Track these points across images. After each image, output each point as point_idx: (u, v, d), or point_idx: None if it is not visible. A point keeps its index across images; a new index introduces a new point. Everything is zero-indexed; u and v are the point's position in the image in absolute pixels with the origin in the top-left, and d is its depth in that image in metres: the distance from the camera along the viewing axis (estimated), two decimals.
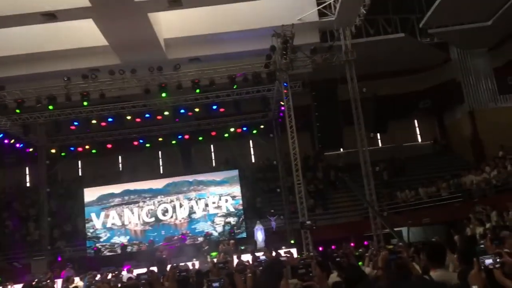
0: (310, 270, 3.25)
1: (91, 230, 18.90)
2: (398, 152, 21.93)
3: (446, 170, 19.36)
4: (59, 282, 13.11)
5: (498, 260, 2.90)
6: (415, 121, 23.91)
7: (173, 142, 20.65)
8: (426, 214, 16.05)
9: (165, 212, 19.26)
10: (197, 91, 16.09)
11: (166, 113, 17.88)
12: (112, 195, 19.36)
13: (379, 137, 22.67)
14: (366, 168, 15.10)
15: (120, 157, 22.37)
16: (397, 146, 22.14)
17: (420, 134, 23.96)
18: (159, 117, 18.11)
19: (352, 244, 14.72)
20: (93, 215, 19.01)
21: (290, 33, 13.89)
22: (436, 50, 20.41)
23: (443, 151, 22.54)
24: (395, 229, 14.11)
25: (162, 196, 19.47)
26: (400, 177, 20.68)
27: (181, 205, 19.35)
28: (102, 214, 19.04)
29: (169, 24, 15.69)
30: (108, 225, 19.00)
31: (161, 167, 22.85)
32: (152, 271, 7.73)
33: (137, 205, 19.33)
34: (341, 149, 20.05)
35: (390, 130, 19.13)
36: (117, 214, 19.12)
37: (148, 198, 19.41)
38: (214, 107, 17.85)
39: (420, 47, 19.61)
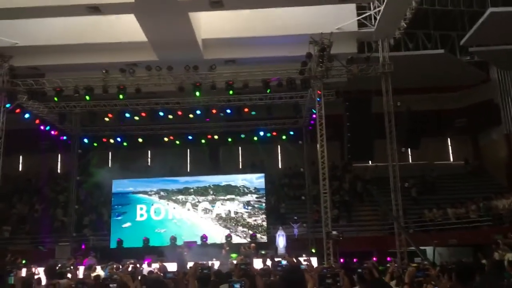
0: (338, 280, 3.20)
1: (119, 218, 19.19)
2: (429, 170, 21.52)
3: (477, 192, 18.88)
4: (81, 269, 13.35)
5: None
6: (449, 139, 23.41)
7: (203, 141, 20.80)
8: (453, 235, 15.69)
9: (188, 209, 19.42)
10: (230, 92, 16.17)
11: (197, 112, 18.05)
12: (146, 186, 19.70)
13: (410, 153, 22.29)
14: (395, 183, 14.87)
15: (149, 151, 22.67)
16: (428, 164, 21.73)
17: (452, 153, 23.44)
18: (190, 116, 18.28)
19: (374, 259, 14.50)
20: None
21: (328, 41, 13.85)
22: (475, 69, 19.99)
23: (475, 172, 21.99)
24: (420, 247, 13.87)
25: (188, 195, 19.63)
26: (429, 195, 20.27)
27: (206, 206, 19.47)
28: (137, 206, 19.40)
29: (208, 24, 15.86)
30: (138, 218, 19.32)
31: (188, 165, 23.06)
32: (179, 271, 7.76)
33: (165, 200, 19.57)
34: (370, 162, 19.81)
35: (422, 146, 18.77)
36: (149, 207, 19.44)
37: (176, 195, 19.62)
38: (246, 110, 17.90)
39: (459, 64, 19.24)
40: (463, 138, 23.28)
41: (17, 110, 16.67)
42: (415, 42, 18.81)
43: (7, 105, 15.72)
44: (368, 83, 15.14)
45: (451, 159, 23.32)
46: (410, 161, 22.40)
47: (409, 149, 21.49)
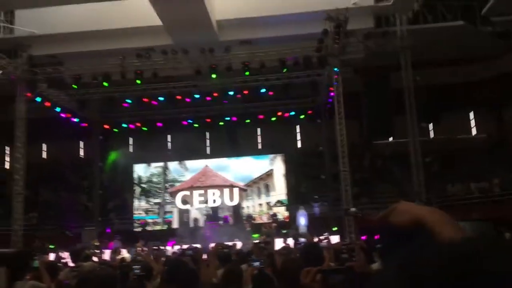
0: (353, 254, 3.23)
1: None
2: (451, 145, 21.16)
3: (501, 166, 18.53)
4: (107, 253, 13.68)
5: None
6: (471, 113, 22.93)
7: (221, 123, 20.85)
8: (476, 210, 15.52)
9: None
10: (247, 73, 16.11)
11: (215, 94, 18.06)
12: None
13: (431, 128, 21.94)
14: (416, 159, 14.73)
15: (169, 136, 22.85)
16: (449, 138, 21.34)
17: (475, 127, 22.98)
18: (208, 98, 18.30)
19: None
20: None
21: (344, 17, 13.63)
22: (497, 40, 19.41)
23: (499, 146, 21.56)
24: None
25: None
26: (451, 170, 20.00)
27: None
28: None
29: (221, 5, 15.75)
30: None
31: (208, 148, 23.19)
32: (197, 247, 7.91)
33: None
34: (390, 138, 19.58)
35: (443, 121, 18.49)
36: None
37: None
38: (263, 90, 17.83)
39: (481, 35, 18.70)
40: (486, 111, 22.75)
41: (37, 99, 16.94)
42: (434, 14, 18.32)
43: (27, 94, 16.00)
44: (386, 59, 14.89)
45: (474, 133, 22.87)
46: (432, 136, 22.05)
47: (429, 124, 21.19)
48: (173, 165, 21.10)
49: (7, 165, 21.99)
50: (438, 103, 17.32)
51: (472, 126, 22.94)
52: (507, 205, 15.34)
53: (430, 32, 17.61)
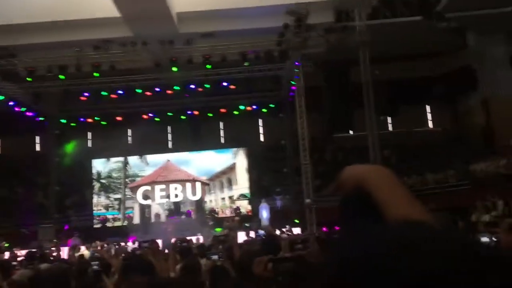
0: (308, 245, 3.26)
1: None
2: (408, 138, 21.74)
3: (456, 157, 19.17)
4: (65, 250, 13.34)
5: (493, 238, 2.88)
6: (427, 106, 23.61)
7: (183, 117, 20.64)
8: (433, 200, 15.99)
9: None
10: (208, 66, 15.99)
11: (176, 88, 17.84)
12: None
13: (389, 121, 22.46)
14: (375, 152, 15.03)
15: (129, 130, 22.42)
16: (407, 131, 21.91)
17: (431, 120, 23.69)
18: (169, 92, 18.07)
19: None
20: None
21: (305, 11, 13.70)
22: (452, 35, 20.01)
23: (454, 139, 22.30)
24: None
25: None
26: (408, 162, 20.53)
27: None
28: None
29: None
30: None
31: (169, 142, 22.91)
32: (154, 241, 7.82)
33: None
34: (351, 132, 19.91)
35: (401, 114, 18.95)
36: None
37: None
38: (225, 84, 17.76)
39: (437, 31, 19.22)
40: (442, 105, 23.47)
41: None
42: (393, 10, 18.68)
43: None
44: (346, 53, 15.09)
45: (430, 126, 23.57)
46: (390, 129, 22.58)
47: (388, 118, 21.68)
48: (133, 160, 20.75)
49: None
50: (396, 97, 17.73)
51: (428, 120, 23.63)
52: (461, 195, 15.89)
53: (389, 27, 17.97)
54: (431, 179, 17.47)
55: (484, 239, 2.80)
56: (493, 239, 2.83)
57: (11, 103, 17.64)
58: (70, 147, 20.59)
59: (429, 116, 23.66)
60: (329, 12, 15.95)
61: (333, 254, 0.71)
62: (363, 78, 15.26)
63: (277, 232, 11.95)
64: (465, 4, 17.66)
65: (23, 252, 12.85)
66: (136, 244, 13.17)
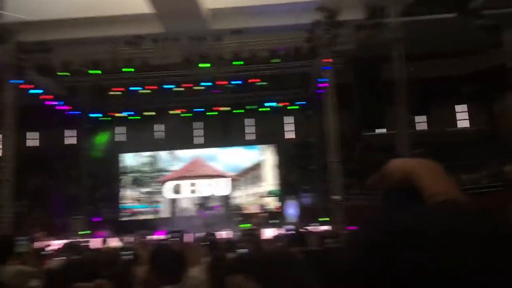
0: (338, 240, 3.23)
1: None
2: (441, 136, 21.30)
3: (490, 158, 18.68)
4: (95, 241, 13.64)
5: None
6: (461, 105, 23.07)
7: (212, 113, 20.77)
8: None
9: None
10: (237, 63, 16.03)
11: (206, 84, 17.96)
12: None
13: (422, 120, 22.05)
14: (405, 150, 14.78)
15: (159, 125, 22.73)
16: (439, 130, 21.48)
17: (465, 119, 23.14)
18: (199, 88, 18.20)
19: None
20: None
21: (336, 7, 13.57)
22: (488, 33, 19.47)
23: (488, 139, 21.73)
24: None
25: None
26: (440, 162, 20.03)
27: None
28: None
29: None
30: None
31: (199, 137, 23.10)
32: (183, 231, 7.89)
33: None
34: (381, 130, 19.64)
35: (434, 113, 18.58)
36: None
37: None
38: (254, 80, 17.77)
39: (472, 29, 18.75)
40: (476, 103, 22.91)
41: (25, 86, 16.74)
42: (427, 6, 18.31)
43: (15, 81, 15.80)
44: (377, 50, 14.88)
45: (464, 125, 23.03)
46: (422, 127, 22.17)
47: (420, 116, 21.28)
48: (162, 155, 21.02)
49: None
50: (429, 95, 17.38)
51: (462, 119, 23.09)
52: (493, 196, 15.46)
53: (423, 24, 17.62)
54: (465, 179, 17.06)
55: None
56: None
57: (45, 97, 18.10)
58: (101, 141, 21.01)
59: (462, 115, 23.11)
60: (360, 8, 15.75)
61: (369, 226, 0.70)
62: (395, 75, 15.00)
63: (304, 228, 11.91)
64: (501, 1, 17.17)
65: (56, 242, 13.24)
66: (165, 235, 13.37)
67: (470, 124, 22.88)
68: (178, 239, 5.20)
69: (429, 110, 18.02)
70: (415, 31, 16.41)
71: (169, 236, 5.95)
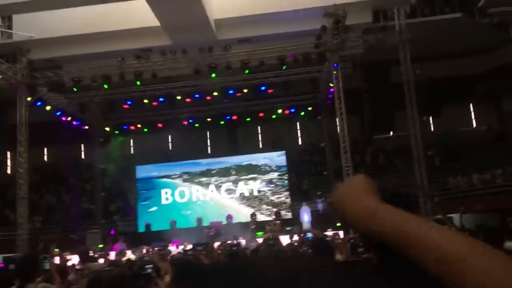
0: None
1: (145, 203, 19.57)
2: (452, 137, 21.20)
3: (501, 158, 18.54)
4: (112, 255, 13.67)
5: None
6: (471, 105, 22.96)
7: (221, 122, 20.86)
8: (479, 202, 15.52)
9: (212, 191, 19.64)
10: (246, 72, 16.12)
11: (215, 93, 18.08)
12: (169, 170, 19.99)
13: (431, 121, 21.97)
14: (418, 152, 14.74)
15: (170, 136, 22.86)
16: (450, 131, 21.38)
17: (475, 119, 23.02)
18: (208, 98, 18.33)
19: None
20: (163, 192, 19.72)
21: (342, 12, 13.64)
22: (495, 31, 19.39)
23: (499, 138, 21.58)
24: (447, 215, 13.78)
25: (211, 177, 19.84)
26: (452, 163, 20.02)
27: (229, 186, 19.65)
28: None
29: (219, 4, 15.74)
30: (163, 201, 19.66)
31: (209, 147, 23.21)
32: (208, 243, 7.91)
33: (189, 183, 19.82)
34: (392, 133, 19.60)
35: (444, 114, 18.50)
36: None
37: (198, 177, 19.85)
38: (263, 88, 17.86)
39: (478, 27, 18.70)
40: (486, 103, 22.78)
41: (38, 102, 16.96)
42: (432, 7, 18.32)
43: (28, 98, 16.02)
44: (385, 53, 14.90)
45: (474, 126, 22.90)
46: (432, 129, 22.08)
47: (430, 118, 21.20)
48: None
49: (9, 170, 22.03)
50: (438, 96, 17.32)
51: (472, 119, 22.97)
52: (510, 196, 15.34)
53: (429, 25, 17.62)
54: (476, 180, 16.94)
55: None
56: None
57: (58, 113, 18.33)
58: (114, 154, 21.16)
59: (473, 115, 22.99)
60: (367, 12, 15.80)
61: None
62: (404, 78, 15.01)
63: (323, 234, 11.87)
64: None
65: (73, 256, 13.30)
66: (180, 249, 13.39)
67: (480, 124, 22.76)
68: (203, 250, 5.22)
69: (438, 111, 17.93)
70: (422, 32, 16.42)
71: (194, 247, 5.96)
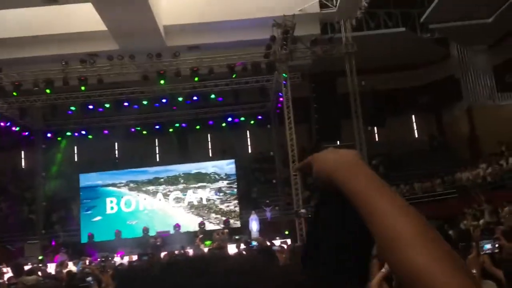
0: None
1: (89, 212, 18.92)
2: (395, 147, 21.95)
3: (442, 166, 19.39)
4: (52, 266, 13.11)
5: (496, 244, 2.93)
6: (413, 116, 23.91)
7: (170, 130, 20.59)
8: (421, 210, 16.06)
9: (159, 200, 19.29)
10: (196, 79, 16.03)
11: (163, 100, 17.83)
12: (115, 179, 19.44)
13: (376, 131, 22.67)
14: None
15: (116, 143, 22.28)
16: (394, 141, 22.13)
17: (417, 129, 23.98)
18: (156, 105, 18.05)
19: None
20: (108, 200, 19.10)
21: (291, 23, 13.85)
22: (436, 46, 20.35)
23: (440, 148, 22.58)
24: None
25: (159, 185, 19.49)
26: (396, 172, 20.71)
27: (178, 195, 19.37)
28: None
29: (169, 10, 15.59)
30: (108, 211, 19.06)
31: (157, 155, 22.81)
32: (153, 253, 7.73)
33: (136, 192, 19.36)
34: (339, 142, 20.03)
35: (388, 124, 19.13)
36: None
37: (146, 186, 19.44)
38: (212, 96, 17.81)
39: (420, 42, 19.55)
40: (427, 114, 23.81)
41: None
42: (377, 22, 18.98)
43: None
44: (333, 64, 15.26)
45: (416, 136, 23.85)
46: (377, 139, 22.78)
47: (375, 128, 21.87)
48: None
49: None
50: (382, 107, 17.91)
51: (415, 129, 23.92)
52: (448, 203, 16.04)
53: (373, 39, 18.24)
54: (418, 188, 17.60)
55: (487, 246, 2.84)
56: (495, 245, 2.88)
57: None
58: (56, 161, 20.37)
59: (415, 125, 23.94)
60: (315, 24, 16.15)
61: None
62: (350, 89, 15.41)
63: (268, 243, 11.91)
64: (447, 16, 18.01)
65: (9, 268, 12.63)
66: (125, 260, 13.02)
67: (421, 134, 23.74)
68: (149, 260, 5.06)
69: (383, 122, 18.54)
70: (367, 45, 16.96)
71: (139, 257, 5.80)
